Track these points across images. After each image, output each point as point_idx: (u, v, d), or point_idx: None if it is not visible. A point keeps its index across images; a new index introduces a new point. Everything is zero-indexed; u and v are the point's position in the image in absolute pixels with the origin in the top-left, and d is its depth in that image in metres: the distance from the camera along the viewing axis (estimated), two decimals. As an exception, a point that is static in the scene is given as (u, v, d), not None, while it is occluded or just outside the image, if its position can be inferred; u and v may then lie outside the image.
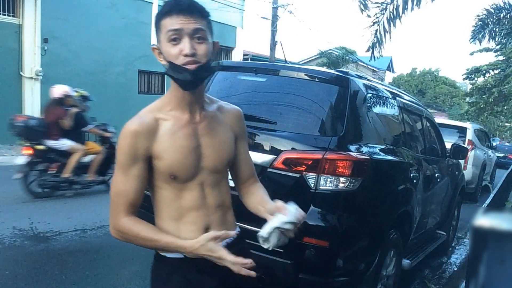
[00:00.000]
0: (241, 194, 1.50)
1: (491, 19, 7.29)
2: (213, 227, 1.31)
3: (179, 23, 1.17)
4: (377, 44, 5.96)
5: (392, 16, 5.72)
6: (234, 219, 1.44)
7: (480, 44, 8.07)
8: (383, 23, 5.83)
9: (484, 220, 0.49)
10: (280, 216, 1.26)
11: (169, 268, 1.30)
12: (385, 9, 5.74)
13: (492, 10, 7.20)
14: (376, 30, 5.89)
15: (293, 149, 2.54)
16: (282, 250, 2.44)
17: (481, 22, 7.37)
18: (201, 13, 1.21)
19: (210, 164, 1.30)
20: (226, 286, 1.31)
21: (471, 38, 7.74)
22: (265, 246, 1.27)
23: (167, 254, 1.30)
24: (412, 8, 5.63)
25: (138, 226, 1.23)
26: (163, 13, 1.21)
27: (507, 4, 7.03)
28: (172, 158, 1.24)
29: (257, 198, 1.44)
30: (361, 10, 5.60)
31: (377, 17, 5.83)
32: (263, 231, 1.25)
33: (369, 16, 5.73)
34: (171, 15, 1.19)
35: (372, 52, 6.06)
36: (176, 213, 1.29)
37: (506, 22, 7.20)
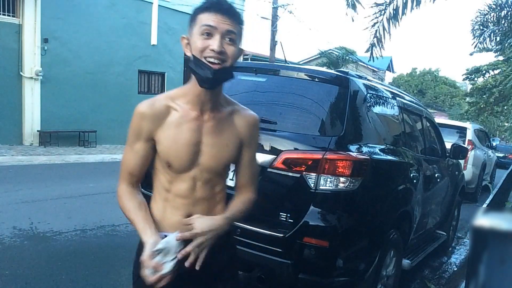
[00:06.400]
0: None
1: (491, 18, 7.27)
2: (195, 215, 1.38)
3: (216, 20, 1.23)
4: (376, 45, 5.96)
5: (391, 16, 5.71)
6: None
7: (483, 45, 8.05)
8: (383, 23, 5.82)
9: (484, 220, 0.49)
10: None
11: None
12: (385, 9, 5.74)
13: (494, 6, 7.18)
14: (376, 31, 5.88)
15: (293, 149, 2.54)
16: (280, 250, 2.45)
17: (481, 18, 7.35)
18: (237, 18, 1.28)
19: (206, 162, 1.35)
20: (200, 272, 1.34)
21: (473, 41, 7.73)
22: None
23: None
24: (412, 9, 5.62)
25: (127, 199, 1.35)
26: (202, 8, 1.26)
27: (508, 2, 7.02)
28: (170, 147, 1.32)
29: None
30: (352, 7, 5.55)
31: (376, 18, 5.82)
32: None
33: (353, 20, 5.71)
34: (209, 11, 1.24)
35: (371, 53, 6.06)
36: (166, 196, 1.38)
37: (504, 22, 7.18)
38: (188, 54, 1.28)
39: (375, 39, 5.91)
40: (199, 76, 1.25)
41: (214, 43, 1.22)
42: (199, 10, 1.26)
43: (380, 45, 5.92)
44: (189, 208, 1.37)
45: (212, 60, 1.23)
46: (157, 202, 1.40)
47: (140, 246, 1.37)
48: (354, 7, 5.63)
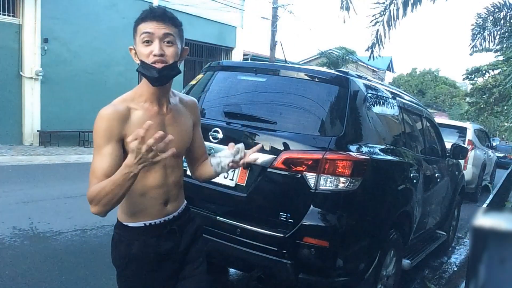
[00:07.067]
0: (194, 170, 1.75)
1: (490, 19, 7.28)
2: (171, 201, 1.55)
3: (152, 27, 1.37)
4: (376, 45, 5.97)
5: (392, 16, 5.72)
6: (183, 194, 1.67)
7: (483, 46, 8.05)
8: (383, 23, 5.83)
9: (484, 220, 0.49)
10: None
11: (130, 235, 1.53)
12: (386, 9, 5.74)
13: (492, 9, 7.18)
14: (377, 31, 5.89)
15: (293, 149, 2.54)
16: (280, 250, 2.45)
17: (481, 21, 7.35)
18: (172, 21, 1.41)
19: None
20: (179, 247, 1.56)
21: (471, 43, 7.74)
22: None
23: (130, 224, 1.52)
24: (412, 9, 5.62)
25: (99, 183, 1.34)
26: (139, 19, 1.41)
27: (507, 4, 7.01)
28: None
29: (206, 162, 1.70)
30: (346, 9, 5.58)
31: (376, 18, 5.83)
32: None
33: (344, 22, 5.79)
34: (145, 20, 1.39)
35: (372, 52, 6.07)
36: (142, 190, 1.48)
37: (503, 23, 7.18)
38: (137, 61, 1.42)
39: (375, 38, 5.92)
40: (148, 77, 1.40)
41: (154, 47, 1.36)
42: (138, 21, 1.41)
43: (380, 44, 5.93)
44: (166, 195, 1.52)
45: (156, 64, 1.37)
46: (132, 196, 1.46)
47: (115, 242, 1.57)
48: (348, 9, 5.65)
